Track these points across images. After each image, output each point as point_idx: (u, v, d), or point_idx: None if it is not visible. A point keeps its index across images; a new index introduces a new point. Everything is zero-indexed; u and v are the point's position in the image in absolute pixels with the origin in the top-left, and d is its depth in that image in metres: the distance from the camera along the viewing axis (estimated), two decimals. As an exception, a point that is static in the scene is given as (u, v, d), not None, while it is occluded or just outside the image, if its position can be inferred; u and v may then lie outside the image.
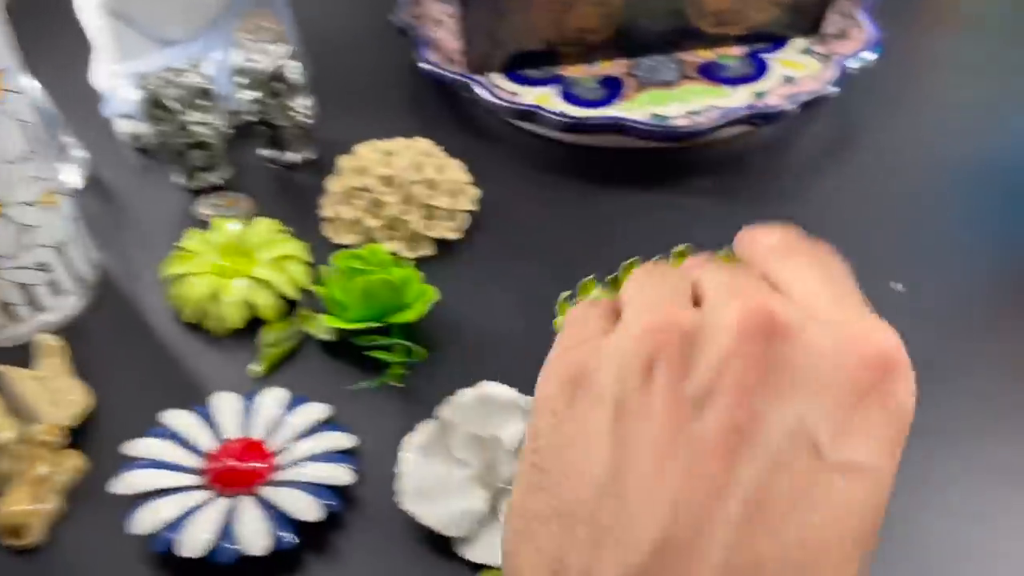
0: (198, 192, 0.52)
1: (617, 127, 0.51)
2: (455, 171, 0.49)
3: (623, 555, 0.20)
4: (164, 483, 0.37)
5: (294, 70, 0.50)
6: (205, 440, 0.39)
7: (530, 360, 0.43)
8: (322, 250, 0.47)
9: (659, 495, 0.20)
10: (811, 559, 0.20)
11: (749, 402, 0.20)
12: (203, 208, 0.51)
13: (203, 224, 0.49)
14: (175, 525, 0.35)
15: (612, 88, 0.57)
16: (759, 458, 0.20)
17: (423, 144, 0.49)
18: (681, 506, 0.20)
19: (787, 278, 0.22)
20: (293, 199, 0.53)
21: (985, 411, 0.40)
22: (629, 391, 0.21)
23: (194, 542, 0.34)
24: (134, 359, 0.44)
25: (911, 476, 0.38)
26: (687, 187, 0.53)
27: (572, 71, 0.58)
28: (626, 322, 0.22)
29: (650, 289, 0.23)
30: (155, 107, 0.48)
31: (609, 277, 0.43)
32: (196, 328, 0.45)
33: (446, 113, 0.58)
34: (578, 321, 0.25)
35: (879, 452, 0.20)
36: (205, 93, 0.49)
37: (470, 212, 0.49)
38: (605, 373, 0.22)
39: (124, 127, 0.55)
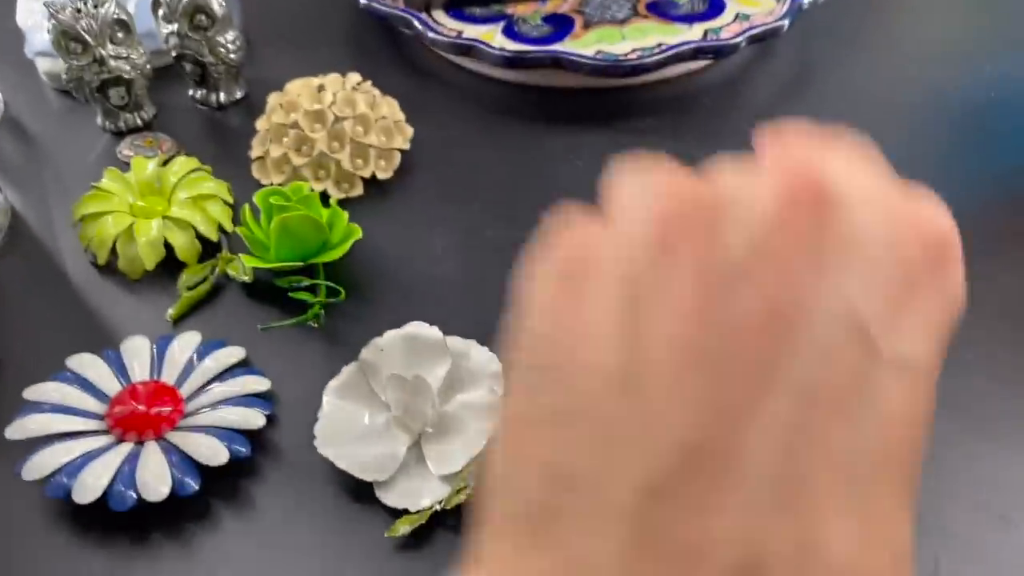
0: (120, 134, 0.50)
1: (559, 62, 0.48)
2: (389, 108, 0.47)
3: (643, 458, 0.16)
4: (64, 427, 0.35)
5: (218, 1, 0.47)
6: (112, 385, 0.36)
7: (465, 303, 0.41)
8: (250, 192, 0.45)
9: (689, 390, 0.16)
10: (863, 475, 0.17)
11: (793, 282, 0.17)
12: (125, 149, 0.48)
13: (125, 166, 0.47)
14: (72, 471, 0.33)
15: (560, 26, 0.54)
16: (805, 348, 0.16)
17: (356, 79, 0.47)
18: (716, 403, 0.16)
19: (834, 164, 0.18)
20: (222, 140, 0.50)
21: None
22: (643, 268, 0.17)
23: (88, 487, 0.32)
24: (44, 304, 0.42)
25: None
26: (635, 127, 0.50)
27: (519, 9, 0.56)
28: (631, 203, 0.18)
29: (646, 176, 0.19)
30: (67, 39, 0.45)
31: None
32: (112, 271, 0.42)
33: (385, 51, 0.56)
34: (567, 225, 0.20)
35: (931, 348, 0.17)
36: (123, 25, 0.47)
37: (404, 151, 0.47)
38: (609, 255, 0.18)
39: (44, 66, 0.52)
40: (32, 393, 0.36)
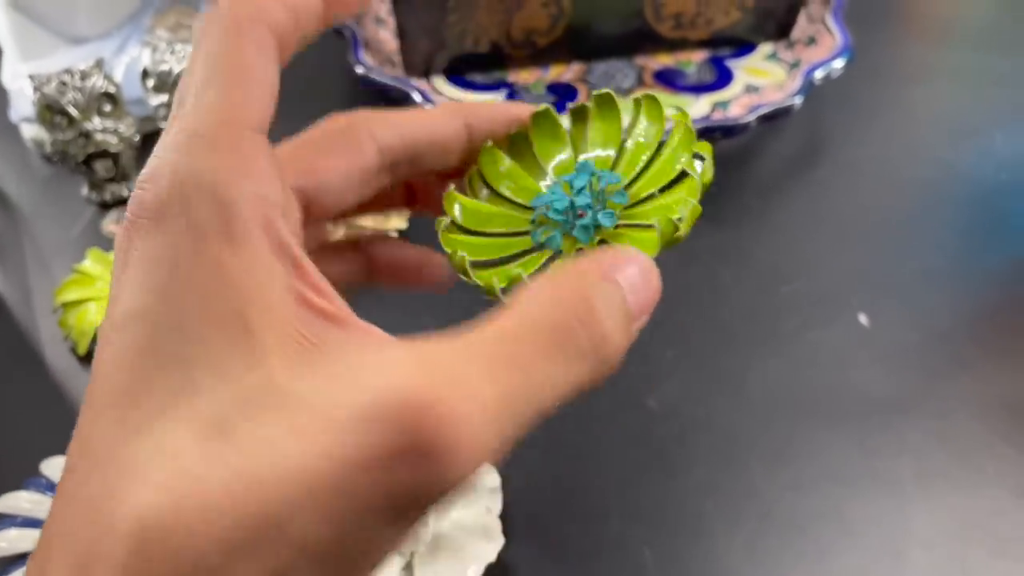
0: (106, 206, 0.48)
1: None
2: (386, 187, 0.45)
3: None
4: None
5: (210, 74, 0.46)
6: (87, 495, 0.34)
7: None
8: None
9: None
10: None
11: None
12: (109, 225, 0.46)
13: (109, 244, 0.45)
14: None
15: (564, 95, 0.53)
16: None
17: (351, 157, 0.45)
18: None
19: None
20: (212, 214, 0.48)
21: (952, 455, 0.37)
22: None
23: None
24: (19, 397, 0.40)
25: (868, 533, 0.34)
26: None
27: (521, 76, 0.54)
28: None
29: None
30: (52, 112, 0.44)
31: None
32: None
33: (383, 120, 0.54)
34: None
35: None
36: (110, 97, 0.45)
37: (401, 231, 0.45)
38: None
39: (29, 133, 0.50)
40: (2, 504, 0.34)
